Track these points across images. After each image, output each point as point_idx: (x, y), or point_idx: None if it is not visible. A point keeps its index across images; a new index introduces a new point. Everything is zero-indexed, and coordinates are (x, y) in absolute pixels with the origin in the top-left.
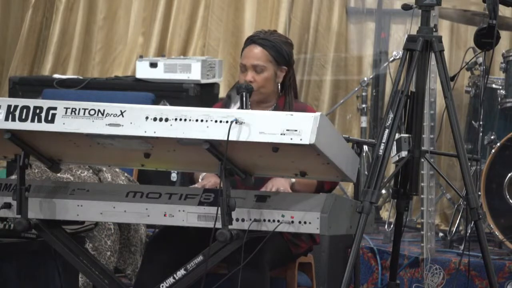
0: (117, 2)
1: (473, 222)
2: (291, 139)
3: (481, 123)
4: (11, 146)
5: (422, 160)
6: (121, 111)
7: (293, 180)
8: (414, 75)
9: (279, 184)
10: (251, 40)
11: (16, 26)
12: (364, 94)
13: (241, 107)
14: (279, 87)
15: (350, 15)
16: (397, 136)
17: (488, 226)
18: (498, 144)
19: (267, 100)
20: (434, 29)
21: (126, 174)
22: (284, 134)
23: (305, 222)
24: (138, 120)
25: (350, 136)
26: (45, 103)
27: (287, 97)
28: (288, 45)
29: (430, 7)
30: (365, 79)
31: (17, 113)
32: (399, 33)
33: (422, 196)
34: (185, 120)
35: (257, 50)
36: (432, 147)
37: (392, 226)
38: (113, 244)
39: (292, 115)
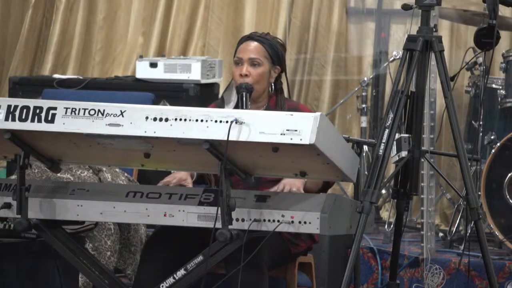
0: (117, 2)
1: (473, 222)
2: (291, 139)
3: (481, 123)
4: (11, 146)
5: (422, 160)
6: (121, 111)
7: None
8: (414, 75)
9: (292, 184)
10: (248, 37)
11: (16, 26)
12: (364, 94)
13: (240, 107)
14: (271, 87)
15: (350, 15)
16: (397, 136)
17: (488, 226)
18: (498, 144)
19: (259, 99)
20: (434, 29)
21: (126, 174)
22: (284, 134)
23: (305, 222)
24: (138, 120)
25: (350, 136)
26: (45, 103)
27: (278, 97)
28: (282, 47)
29: (430, 7)
30: (365, 79)
31: (17, 113)
32: (399, 33)
33: (422, 196)
34: (185, 120)
35: (254, 45)
36: (432, 147)
37: (392, 226)
38: (113, 244)
39: (292, 115)
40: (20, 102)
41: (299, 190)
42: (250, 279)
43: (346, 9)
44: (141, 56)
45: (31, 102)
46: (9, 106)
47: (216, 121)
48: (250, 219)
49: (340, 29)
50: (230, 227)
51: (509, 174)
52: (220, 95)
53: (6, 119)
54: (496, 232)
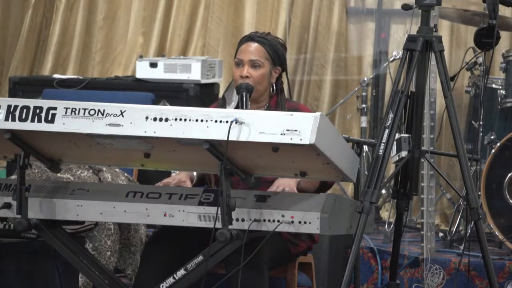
0: (117, 2)
1: (473, 222)
2: (291, 139)
3: (481, 123)
4: (11, 146)
5: (422, 160)
6: (121, 111)
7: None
8: (414, 75)
9: (285, 184)
10: (248, 37)
11: (16, 26)
12: (364, 94)
13: (240, 107)
14: (272, 87)
15: (350, 15)
16: (397, 136)
17: (488, 226)
18: (498, 144)
19: (260, 100)
20: (434, 29)
21: (126, 174)
22: (284, 134)
23: (305, 222)
24: (138, 120)
25: (350, 136)
26: (45, 103)
27: (279, 97)
28: (283, 47)
29: (430, 7)
30: (365, 79)
31: (17, 113)
32: (399, 33)
33: (422, 196)
34: (185, 120)
35: (255, 46)
36: (432, 147)
37: (392, 226)
38: (113, 244)
39: (292, 115)
40: (20, 102)
41: (292, 190)
42: (250, 279)
43: (346, 9)
44: (141, 56)
45: (31, 102)
46: (9, 106)
47: (216, 121)
48: (250, 219)
49: (340, 29)
50: (230, 227)
51: (509, 174)
52: (220, 95)
53: (6, 119)
54: (496, 232)
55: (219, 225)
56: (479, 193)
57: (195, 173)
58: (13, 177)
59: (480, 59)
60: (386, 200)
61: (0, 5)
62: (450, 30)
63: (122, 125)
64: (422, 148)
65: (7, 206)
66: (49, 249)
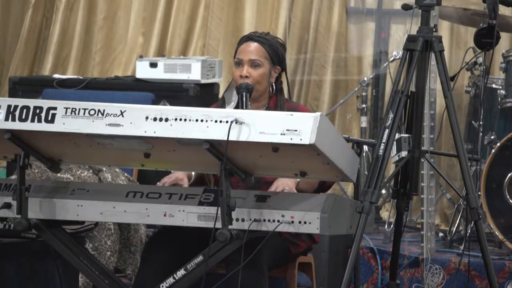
0: (117, 2)
1: (473, 222)
2: (291, 139)
3: (481, 123)
4: (11, 146)
5: (422, 160)
6: (121, 111)
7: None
8: (414, 75)
9: (284, 184)
10: (248, 37)
11: (16, 26)
12: (364, 94)
13: (240, 107)
14: (271, 87)
15: (350, 15)
16: (397, 136)
17: (488, 226)
18: (498, 144)
19: (259, 99)
20: (434, 29)
21: (126, 174)
22: (284, 134)
23: (305, 222)
24: (138, 120)
25: (350, 136)
26: (45, 103)
27: (278, 97)
28: (283, 47)
29: (430, 7)
30: (365, 79)
31: (17, 113)
32: (399, 33)
33: (422, 196)
34: (185, 120)
35: (254, 45)
36: (432, 147)
37: (392, 226)
38: (113, 244)
39: (292, 115)
40: (20, 102)
41: (292, 190)
42: (250, 279)
43: (346, 9)
44: (141, 56)
45: (31, 102)
46: (9, 106)
47: (216, 121)
48: (250, 219)
49: (340, 29)
50: (230, 227)
51: (509, 174)
52: (220, 95)
53: (6, 119)
54: (496, 232)
55: (219, 225)
56: (479, 193)
57: (193, 172)
58: (13, 177)
59: (480, 59)
60: (386, 200)
61: (0, 5)
62: (450, 30)
63: (122, 125)
64: (422, 148)
65: (7, 206)
66: (49, 249)
